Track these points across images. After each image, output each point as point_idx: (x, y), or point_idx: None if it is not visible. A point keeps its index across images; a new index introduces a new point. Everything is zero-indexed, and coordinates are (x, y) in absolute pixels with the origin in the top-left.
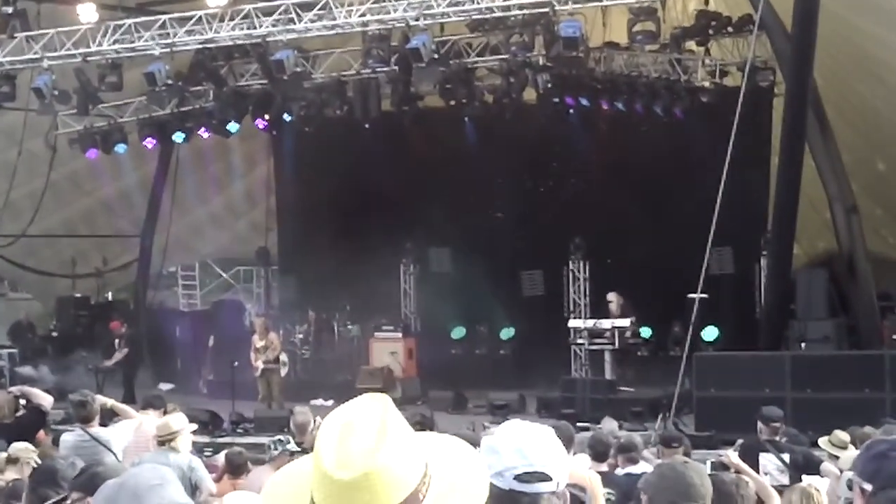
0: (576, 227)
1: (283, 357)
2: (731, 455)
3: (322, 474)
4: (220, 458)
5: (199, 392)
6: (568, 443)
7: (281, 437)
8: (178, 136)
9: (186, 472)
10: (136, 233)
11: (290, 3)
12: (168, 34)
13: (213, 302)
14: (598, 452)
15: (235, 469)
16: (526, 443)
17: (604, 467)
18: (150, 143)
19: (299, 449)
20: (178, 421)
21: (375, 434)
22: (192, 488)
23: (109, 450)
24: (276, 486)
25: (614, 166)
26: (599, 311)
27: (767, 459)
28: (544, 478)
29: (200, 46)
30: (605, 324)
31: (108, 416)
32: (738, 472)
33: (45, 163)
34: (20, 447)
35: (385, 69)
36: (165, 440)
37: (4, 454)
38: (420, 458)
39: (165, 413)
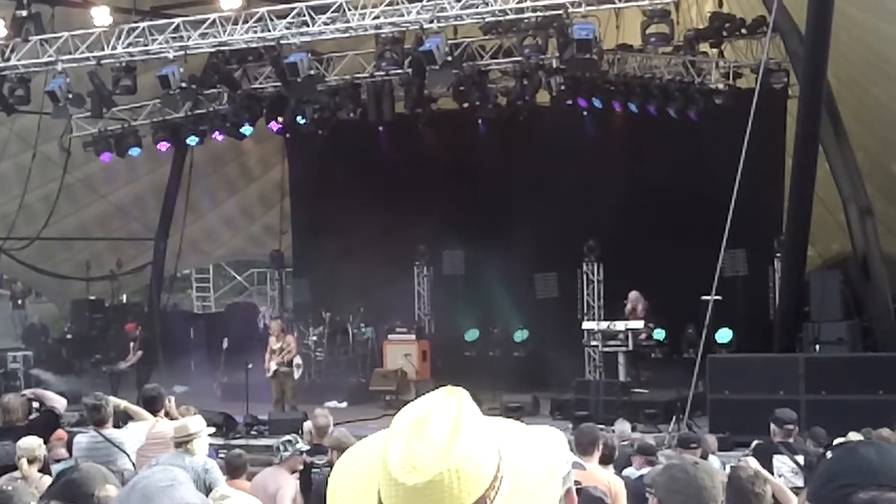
0: (589, 230)
1: (298, 360)
2: (750, 461)
3: (388, 476)
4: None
5: (213, 394)
6: (591, 444)
7: (289, 437)
8: (191, 140)
9: (201, 474)
10: (150, 236)
11: (304, 6)
12: (182, 37)
13: (227, 304)
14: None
15: (234, 471)
16: None
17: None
18: (163, 146)
19: (310, 448)
20: (196, 423)
21: (448, 433)
22: (207, 490)
23: (123, 451)
24: (344, 475)
25: (628, 168)
26: (613, 313)
27: (781, 461)
28: None
29: (214, 49)
30: (619, 326)
31: (121, 418)
32: None
33: (59, 166)
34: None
35: (399, 72)
36: (182, 442)
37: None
38: (493, 458)
39: (165, 409)
